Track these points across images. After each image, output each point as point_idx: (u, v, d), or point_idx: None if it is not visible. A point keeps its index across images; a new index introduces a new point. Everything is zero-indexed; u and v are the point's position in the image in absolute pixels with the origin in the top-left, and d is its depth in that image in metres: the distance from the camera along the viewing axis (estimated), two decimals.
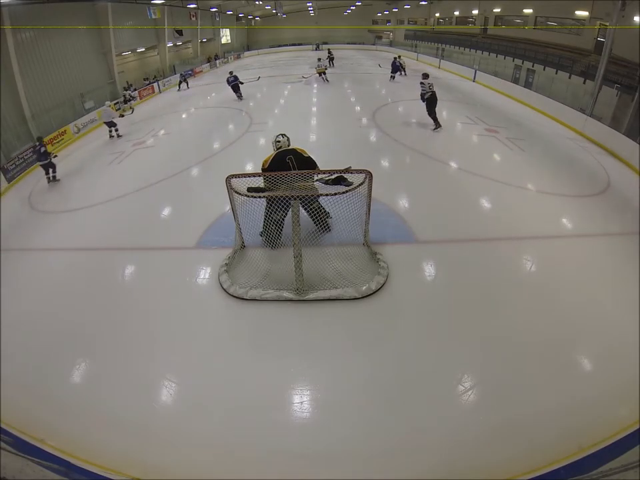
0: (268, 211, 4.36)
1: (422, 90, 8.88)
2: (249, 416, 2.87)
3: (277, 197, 3.79)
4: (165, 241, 5.18)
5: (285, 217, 4.17)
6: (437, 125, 9.00)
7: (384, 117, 10.32)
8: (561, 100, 10.80)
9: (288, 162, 4.26)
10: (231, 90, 13.65)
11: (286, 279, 3.97)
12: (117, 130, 11.08)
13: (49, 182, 8.03)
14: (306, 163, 4.33)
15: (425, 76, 9.07)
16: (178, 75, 19.46)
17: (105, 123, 11.02)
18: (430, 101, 8.84)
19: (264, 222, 4.50)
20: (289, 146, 4.63)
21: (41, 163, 8.00)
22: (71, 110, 12.81)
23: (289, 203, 3.66)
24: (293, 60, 26.69)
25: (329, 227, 4.72)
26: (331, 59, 21.50)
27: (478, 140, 8.66)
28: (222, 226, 5.22)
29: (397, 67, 15.90)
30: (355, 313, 3.73)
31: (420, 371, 3.16)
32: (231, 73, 13.75)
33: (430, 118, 9.02)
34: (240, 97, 13.71)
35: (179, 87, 18.62)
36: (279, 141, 4.63)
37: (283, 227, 4.27)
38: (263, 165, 4.38)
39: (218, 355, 3.42)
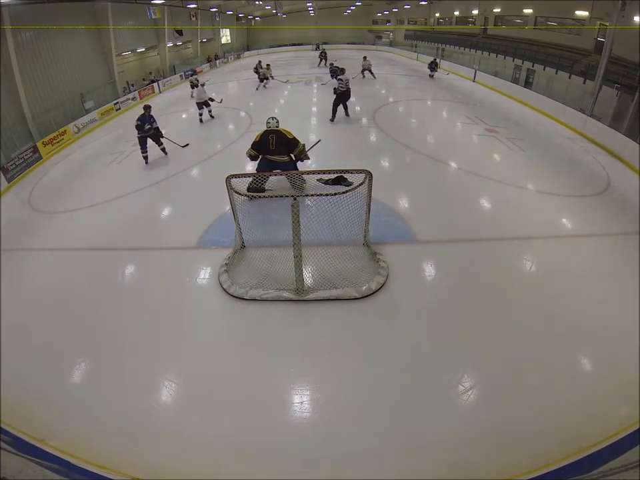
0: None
1: (340, 85, 9.25)
2: (248, 416, 2.87)
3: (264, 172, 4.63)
4: (165, 241, 5.17)
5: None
6: (333, 117, 9.86)
7: (384, 117, 10.32)
8: (560, 100, 10.80)
9: (270, 139, 5.42)
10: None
11: (286, 279, 3.98)
12: (210, 111, 10.76)
13: (165, 153, 8.25)
14: (285, 143, 5.48)
15: (342, 71, 9.61)
16: (257, 72, 15.97)
17: (196, 103, 10.63)
18: (344, 95, 9.50)
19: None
20: (277, 127, 5.58)
21: (145, 135, 7.71)
22: (71, 110, 12.78)
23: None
24: (293, 60, 26.69)
25: (304, 190, 4.94)
26: (324, 58, 21.73)
27: (478, 140, 8.66)
28: (222, 226, 5.22)
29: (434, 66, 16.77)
30: (355, 313, 3.73)
31: (420, 370, 3.17)
32: (268, 65, 16.23)
33: (334, 109, 9.74)
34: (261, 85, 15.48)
35: (259, 86, 15.53)
36: (268, 122, 5.63)
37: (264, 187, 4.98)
38: (255, 139, 5.54)
39: (218, 355, 3.43)
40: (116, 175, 7.88)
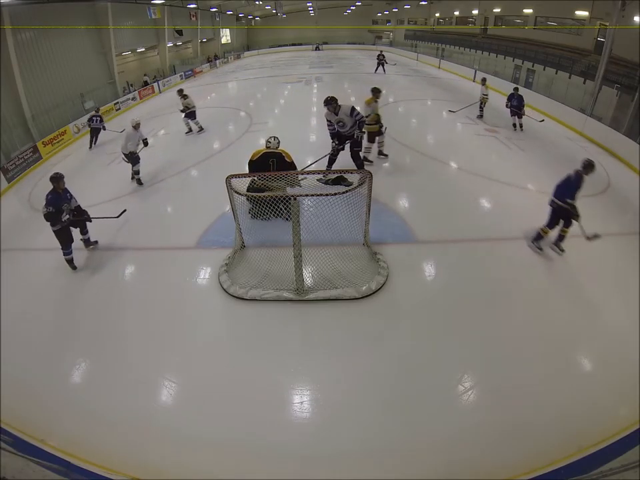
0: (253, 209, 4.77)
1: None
2: (248, 416, 2.87)
3: (262, 199, 4.10)
4: (165, 240, 5.18)
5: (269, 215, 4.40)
6: None
7: (384, 117, 10.27)
8: (560, 100, 10.80)
9: (270, 164, 4.90)
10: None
11: (286, 278, 3.97)
12: (136, 174, 6.88)
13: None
14: (285, 168, 4.88)
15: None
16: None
17: (123, 156, 6.83)
18: None
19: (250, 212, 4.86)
20: (277, 147, 5.13)
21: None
22: (71, 110, 12.78)
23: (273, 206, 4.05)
24: (293, 60, 26.71)
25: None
26: (383, 62, 17.58)
27: (478, 140, 8.66)
28: (222, 226, 5.22)
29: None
30: (355, 312, 3.73)
31: (420, 371, 3.16)
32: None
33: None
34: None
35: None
36: (269, 142, 5.17)
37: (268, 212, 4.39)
38: (252, 157, 5.02)
39: (218, 355, 3.43)
40: (115, 175, 7.85)
